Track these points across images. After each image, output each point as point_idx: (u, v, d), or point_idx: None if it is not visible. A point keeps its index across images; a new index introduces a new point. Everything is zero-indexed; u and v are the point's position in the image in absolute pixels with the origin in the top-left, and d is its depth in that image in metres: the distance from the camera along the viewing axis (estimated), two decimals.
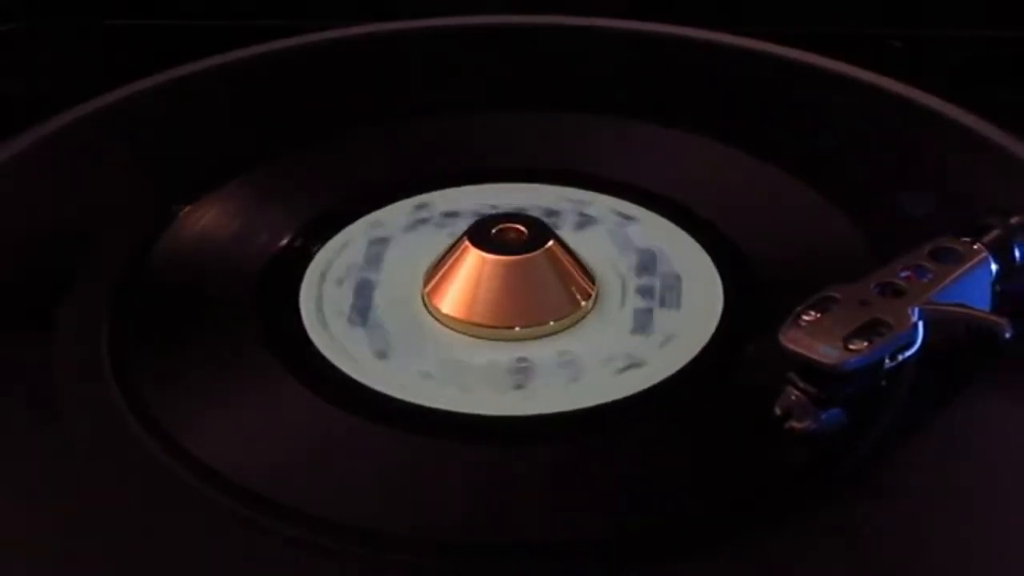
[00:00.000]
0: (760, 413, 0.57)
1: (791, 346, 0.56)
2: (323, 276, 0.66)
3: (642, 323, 0.63)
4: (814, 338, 0.56)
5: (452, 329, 0.63)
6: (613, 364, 0.61)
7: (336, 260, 0.67)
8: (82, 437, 0.58)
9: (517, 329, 0.62)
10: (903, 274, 0.59)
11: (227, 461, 0.57)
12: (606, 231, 0.68)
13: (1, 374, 0.61)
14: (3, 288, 0.65)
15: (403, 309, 0.64)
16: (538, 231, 0.64)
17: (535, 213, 0.67)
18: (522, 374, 0.61)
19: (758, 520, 0.55)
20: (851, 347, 0.56)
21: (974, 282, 0.59)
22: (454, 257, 0.64)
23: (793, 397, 0.56)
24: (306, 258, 0.67)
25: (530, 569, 0.54)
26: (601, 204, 0.69)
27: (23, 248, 0.68)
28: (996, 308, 0.60)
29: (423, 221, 0.69)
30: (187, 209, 0.69)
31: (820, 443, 0.56)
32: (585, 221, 0.68)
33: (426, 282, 0.64)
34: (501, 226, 0.64)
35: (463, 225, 0.66)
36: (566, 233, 0.66)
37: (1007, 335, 0.57)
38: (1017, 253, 0.61)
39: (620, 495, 0.56)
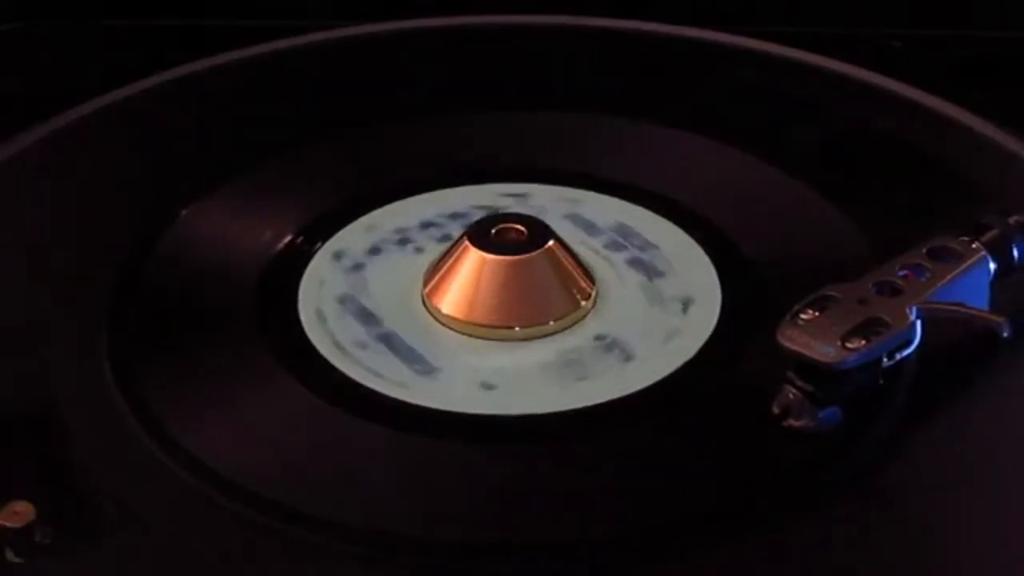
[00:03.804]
0: (758, 412, 0.57)
1: (789, 344, 0.56)
2: (322, 274, 0.66)
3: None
4: (812, 336, 0.56)
5: (452, 329, 0.63)
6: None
7: (334, 257, 0.67)
8: (82, 437, 0.58)
9: (517, 329, 0.62)
10: (901, 273, 0.59)
11: (227, 461, 0.57)
12: (604, 231, 0.68)
13: (1, 375, 0.61)
14: (3, 288, 0.65)
15: (402, 308, 0.64)
16: (538, 231, 0.64)
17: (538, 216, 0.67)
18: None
19: (756, 519, 0.55)
20: (849, 346, 0.56)
21: (972, 281, 0.59)
22: (454, 257, 0.64)
23: (791, 395, 0.56)
24: (306, 257, 0.67)
25: (530, 569, 0.54)
26: (600, 205, 0.70)
27: (23, 248, 0.68)
28: (994, 307, 0.60)
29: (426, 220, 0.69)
30: (185, 213, 0.69)
31: (818, 441, 0.56)
32: (582, 223, 0.69)
33: (426, 282, 0.64)
34: (501, 226, 0.64)
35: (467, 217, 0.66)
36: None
37: (1005, 334, 0.57)
38: (1015, 252, 0.61)
39: (619, 495, 0.56)
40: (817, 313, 0.57)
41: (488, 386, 0.60)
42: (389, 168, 0.73)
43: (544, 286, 0.63)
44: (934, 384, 0.59)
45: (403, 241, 0.68)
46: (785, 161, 0.71)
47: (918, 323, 0.57)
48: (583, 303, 0.63)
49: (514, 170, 0.72)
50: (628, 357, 0.61)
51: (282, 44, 0.81)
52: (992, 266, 0.60)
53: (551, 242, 0.64)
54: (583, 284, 0.64)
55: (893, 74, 0.77)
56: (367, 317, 0.64)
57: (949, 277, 0.59)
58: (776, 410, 0.56)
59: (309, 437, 0.58)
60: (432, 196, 0.70)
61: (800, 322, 0.57)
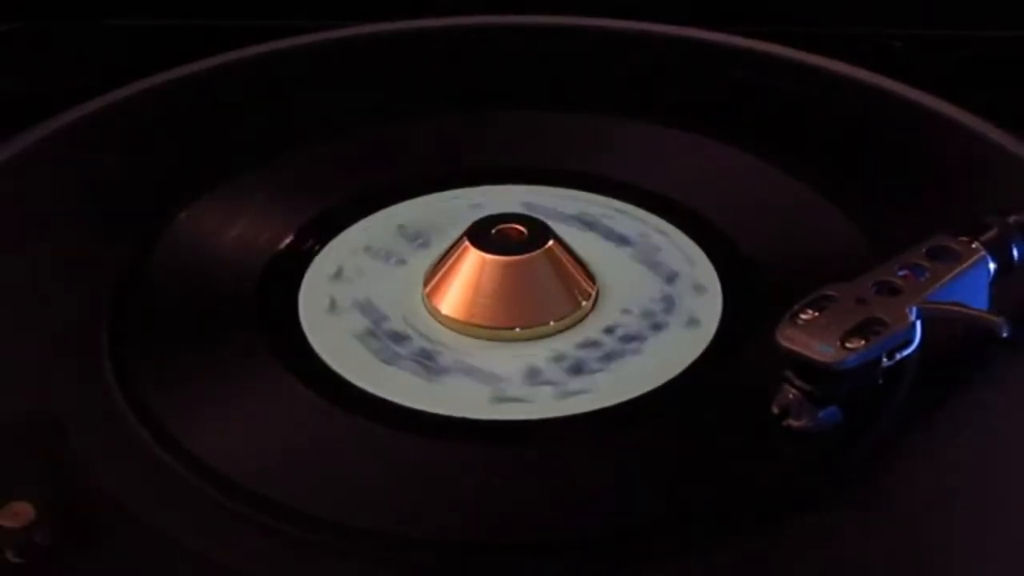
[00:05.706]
0: (758, 412, 0.57)
1: (788, 344, 0.56)
2: (322, 274, 0.66)
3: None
4: (811, 336, 0.56)
5: (451, 330, 0.63)
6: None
7: (333, 255, 0.67)
8: (82, 437, 0.58)
9: (517, 329, 0.62)
10: (901, 273, 0.59)
11: (227, 461, 0.57)
12: (605, 231, 0.68)
13: (1, 374, 0.61)
14: (2, 288, 0.66)
15: (402, 308, 0.64)
16: (538, 231, 0.64)
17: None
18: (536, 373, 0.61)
19: (756, 519, 0.55)
20: (848, 345, 0.56)
21: (972, 281, 0.59)
22: (454, 257, 0.64)
23: (790, 395, 0.56)
24: (306, 257, 0.67)
25: (530, 569, 0.54)
26: (599, 205, 0.70)
27: (23, 248, 0.68)
28: (994, 307, 0.60)
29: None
30: (184, 214, 0.69)
31: (818, 441, 0.56)
32: (583, 223, 0.69)
33: (426, 283, 0.64)
34: (501, 226, 0.64)
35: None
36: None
37: (1005, 334, 0.57)
38: (1015, 252, 0.61)
39: (618, 495, 0.56)
40: (816, 313, 0.57)
41: (484, 386, 0.60)
42: (390, 168, 0.73)
43: (544, 286, 0.63)
44: (934, 384, 0.59)
45: (399, 244, 0.68)
46: (785, 161, 0.71)
47: (918, 323, 0.57)
48: (583, 303, 0.63)
49: (513, 170, 0.72)
50: (627, 360, 0.61)
51: (282, 44, 0.81)
52: (992, 266, 0.60)
53: (551, 242, 0.64)
54: (584, 284, 0.64)
55: (893, 74, 0.77)
56: (367, 317, 0.64)
57: (948, 277, 0.59)
58: (776, 410, 0.56)
59: (309, 437, 0.58)
60: (438, 196, 0.70)
61: (799, 322, 0.57)
